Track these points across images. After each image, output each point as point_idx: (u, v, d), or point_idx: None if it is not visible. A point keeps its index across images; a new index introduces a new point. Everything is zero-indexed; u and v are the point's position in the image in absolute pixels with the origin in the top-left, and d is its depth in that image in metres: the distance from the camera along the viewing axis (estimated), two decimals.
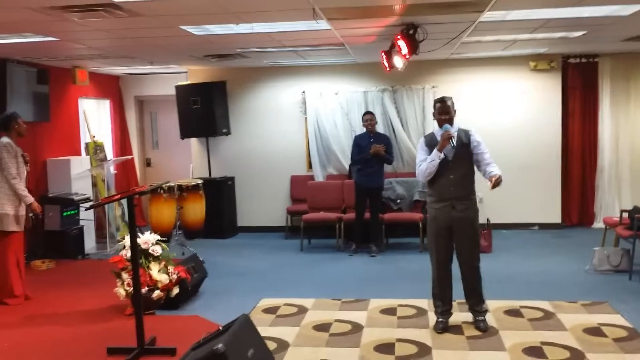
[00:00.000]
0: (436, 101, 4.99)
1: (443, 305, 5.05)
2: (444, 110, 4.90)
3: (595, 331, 4.89)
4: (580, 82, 9.38)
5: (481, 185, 5.00)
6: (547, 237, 8.87)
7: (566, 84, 9.40)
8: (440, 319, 5.04)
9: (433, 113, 5.01)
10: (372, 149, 7.89)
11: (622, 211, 7.13)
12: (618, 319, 5.15)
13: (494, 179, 4.66)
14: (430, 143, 4.92)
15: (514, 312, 5.43)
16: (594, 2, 5.14)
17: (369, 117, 8.15)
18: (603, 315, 5.26)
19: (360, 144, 8.10)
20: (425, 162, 4.85)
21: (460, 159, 4.85)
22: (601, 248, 6.93)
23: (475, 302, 5.03)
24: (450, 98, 4.98)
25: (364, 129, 8.22)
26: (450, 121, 4.88)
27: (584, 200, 9.56)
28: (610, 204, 9.39)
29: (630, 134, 9.35)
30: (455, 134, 4.81)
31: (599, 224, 9.14)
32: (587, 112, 9.42)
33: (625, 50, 8.86)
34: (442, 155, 4.79)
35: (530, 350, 4.54)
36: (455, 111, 4.94)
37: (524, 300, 5.73)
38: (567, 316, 5.27)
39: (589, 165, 9.49)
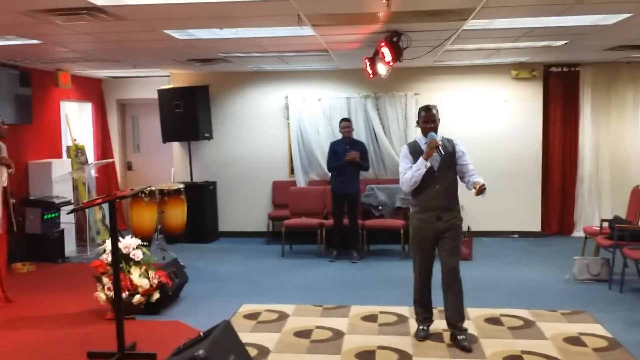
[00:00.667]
0: (421, 109, 4.93)
1: (424, 312, 5.05)
2: (429, 119, 4.84)
3: (575, 340, 4.93)
4: (561, 91, 9.48)
5: (463, 192, 5.00)
6: (527, 246, 8.94)
7: (547, 92, 9.49)
8: (422, 327, 5.03)
9: (417, 121, 4.96)
10: (348, 156, 7.92)
11: (602, 220, 7.20)
12: (598, 329, 5.19)
13: (478, 186, 4.61)
14: (415, 151, 4.86)
15: (494, 321, 5.46)
16: (578, 11, 5.19)
17: (346, 124, 8.18)
18: (583, 325, 5.30)
19: (336, 151, 8.13)
20: (410, 171, 4.78)
21: (445, 169, 4.81)
22: (581, 257, 6.99)
23: (458, 318, 4.88)
24: (435, 106, 4.93)
25: (341, 135, 8.25)
26: (435, 130, 4.83)
27: (564, 209, 9.65)
28: (590, 213, 9.49)
29: (610, 143, 9.46)
30: (440, 143, 4.74)
31: (578, 233, 9.24)
32: (568, 121, 9.52)
33: (606, 59, 8.98)
34: (428, 164, 4.73)
35: (510, 359, 4.56)
36: (439, 120, 4.91)
37: (504, 309, 5.76)
38: (547, 325, 5.31)
39: (569, 174, 9.59)
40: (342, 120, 8.35)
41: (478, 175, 4.80)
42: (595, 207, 9.50)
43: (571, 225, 9.63)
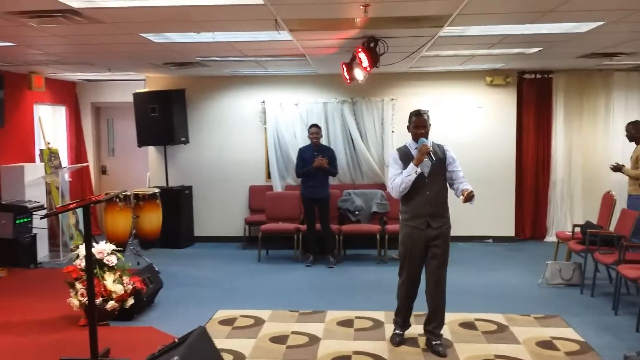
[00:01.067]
0: (412, 114, 4.83)
1: (404, 320, 5.04)
2: (420, 124, 4.74)
3: (547, 344, 4.99)
4: (534, 98, 9.62)
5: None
6: (501, 250, 9.03)
7: (521, 99, 9.62)
8: (398, 331, 5.04)
9: (408, 126, 4.84)
10: (315, 162, 7.95)
11: (574, 226, 7.31)
12: (570, 333, 5.27)
13: (466, 193, 4.59)
14: (405, 157, 4.76)
15: (468, 325, 5.50)
16: (552, 19, 5.28)
17: (315, 130, 8.20)
18: (555, 329, 5.37)
19: (304, 157, 8.15)
20: (400, 177, 4.68)
21: (435, 175, 4.73)
22: (553, 262, 7.08)
23: (438, 324, 4.89)
24: (427, 111, 4.84)
25: (309, 141, 8.29)
26: (426, 135, 4.74)
27: (537, 214, 9.78)
28: (562, 218, 9.63)
29: (582, 149, 9.62)
30: (432, 149, 4.67)
31: (551, 238, 9.36)
32: (541, 128, 9.66)
33: (579, 67, 9.14)
34: (418, 170, 4.63)
35: None
36: (430, 125, 4.81)
37: (479, 313, 5.81)
38: (520, 329, 5.36)
39: (542, 179, 9.72)
40: (311, 126, 8.37)
41: (467, 183, 4.76)
42: (568, 212, 9.64)
43: (544, 230, 9.76)
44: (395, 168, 4.78)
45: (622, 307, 5.85)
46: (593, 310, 5.96)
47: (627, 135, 7.32)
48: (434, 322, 4.90)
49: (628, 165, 7.19)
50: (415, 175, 4.63)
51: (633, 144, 7.24)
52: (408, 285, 4.88)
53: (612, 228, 6.96)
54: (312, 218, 8.21)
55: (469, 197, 4.59)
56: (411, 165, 4.64)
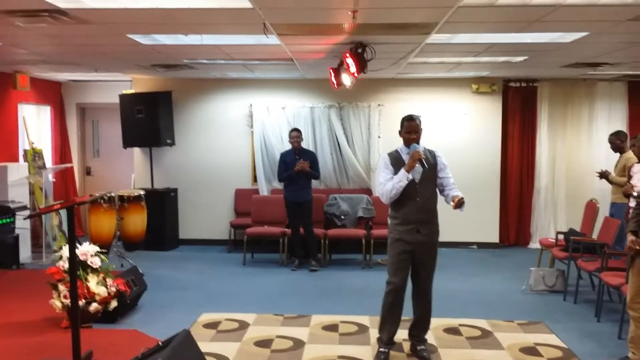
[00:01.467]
0: (404, 119, 4.76)
1: (389, 337, 4.79)
2: (412, 129, 4.69)
3: (531, 350, 5.02)
4: (519, 106, 9.70)
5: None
6: (485, 256, 9.09)
7: (506, 107, 9.70)
8: (383, 349, 4.79)
9: (400, 131, 4.76)
10: (297, 166, 7.96)
11: (557, 233, 7.38)
12: (553, 339, 5.31)
13: (456, 199, 4.55)
14: (396, 162, 4.68)
15: (453, 331, 5.53)
16: (538, 29, 5.34)
17: (296, 134, 8.23)
18: (539, 335, 5.41)
19: (286, 161, 8.18)
20: (391, 182, 4.59)
21: (426, 181, 4.66)
22: (537, 268, 7.13)
23: (422, 329, 4.88)
24: (419, 117, 4.80)
25: (291, 146, 8.30)
26: (418, 140, 4.69)
27: (521, 221, 9.85)
28: (546, 225, 9.71)
29: (566, 157, 9.71)
30: (424, 156, 4.62)
31: (535, 245, 9.44)
32: (525, 135, 9.75)
33: (563, 76, 9.24)
34: (410, 177, 4.56)
35: None
36: (421, 130, 4.77)
37: (463, 319, 5.85)
38: (504, 335, 5.40)
39: (526, 187, 9.80)
40: (292, 130, 8.40)
41: (457, 189, 4.71)
42: (551, 219, 9.73)
43: (528, 237, 9.84)
44: (386, 173, 4.68)
45: (604, 314, 5.91)
46: (576, 317, 6.02)
47: (611, 147, 7.35)
48: (418, 327, 4.90)
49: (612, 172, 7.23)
50: (407, 182, 4.55)
51: (617, 154, 7.29)
52: (395, 291, 4.70)
53: (595, 235, 7.03)
54: (296, 222, 8.21)
55: (459, 204, 4.55)
56: (402, 171, 4.57)
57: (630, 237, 4.44)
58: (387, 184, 4.62)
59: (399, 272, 4.71)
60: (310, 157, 8.22)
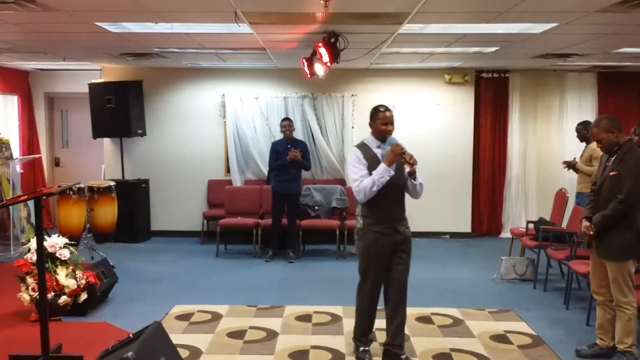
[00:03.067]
0: (378, 109, 4.40)
1: (367, 337, 4.62)
2: (389, 120, 4.35)
3: (501, 338, 5.09)
4: (491, 96, 9.78)
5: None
6: (457, 246, 9.17)
7: (478, 97, 9.77)
8: (363, 348, 4.58)
9: (371, 123, 4.44)
10: (290, 155, 7.92)
11: (528, 222, 7.47)
12: (523, 327, 5.38)
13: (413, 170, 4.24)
14: (368, 156, 4.36)
15: (425, 319, 5.57)
16: (508, 19, 5.37)
17: (287, 123, 8.18)
18: (509, 323, 5.48)
19: (278, 150, 8.12)
20: (370, 178, 4.23)
21: (399, 175, 4.35)
22: (508, 257, 7.22)
23: (402, 340, 4.55)
24: (391, 108, 4.47)
25: (282, 135, 8.25)
26: (391, 133, 4.39)
27: (493, 210, 9.95)
28: (517, 214, 9.83)
29: (537, 147, 9.83)
30: (406, 150, 4.28)
31: (506, 234, 9.55)
32: (497, 125, 9.83)
33: (534, 67, 9.33)
34: (392, 172, 4.24)
35: (440, 357, 4.67)
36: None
37: (435, 307, 5.90)
38: (475, 323, 5.46)
39: (498, 176, 9.89)
40: (284, 119, 8.37)
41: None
42: (522, 209, 9.85)
43: (499, 226, 9.95)
44: (358, 168, 4.31)
45: (573, 301, 6.01)
46: (545, 304, 6.11)
47: (578, 136, 7.46)
48: (397, 337, 4.52)
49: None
50: (389, 178, 4.23)
51: (583, 144, 7.39)
52: (371, 296, 4.48)
53: (564, 224, 7.13)
54: (280, 213, 8.17)
55: (413, 171, 4.25)
56: (383, 166, 4.23)
57: (585, 223, 4.58)
58: (363, 180, 4.25)
59: (377, 274, 4.43)
60: (302, 147, 8.17)
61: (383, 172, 4.23)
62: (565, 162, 7.27)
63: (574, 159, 7.28)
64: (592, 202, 4.63)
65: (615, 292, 4.42)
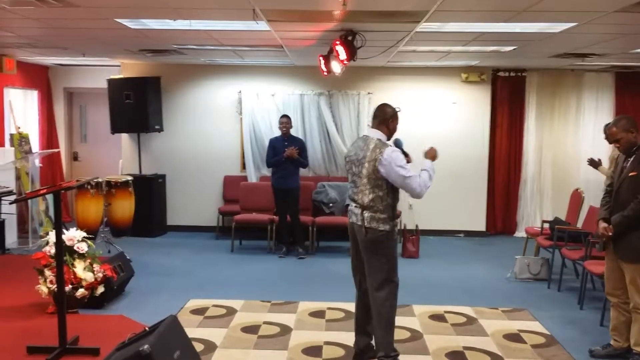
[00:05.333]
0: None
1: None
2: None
3: (514, 337, 5.09)
4: (508, 95, 9.73)
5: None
6: (472, 245, 9.16)
7: (495, 96, 9.73)
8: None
9: (391, 122, 4.43)
10: (286, 152, 7.96)
11: (543, 221, 7.44)
12: (536, 326, 5.38)
13: None
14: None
15: (438, 317, 5.58)
16: (526, 18, 5.36)
17: (284, 120, 8.22)
18: (522, 322, 5.48)
19: (275, 147, 8.17)
20: (426, 173, 4.26)
21: None
22: (522, 257, 7.20)
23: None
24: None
25: (280, 132, 8.31)
26: None
27: (508, 209, 9.91)
28: (532, 214, 9.78)
29: (553, 147, 9.77)
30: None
31: (520, 233, 9.52)
32: (513, 125, 9.78)
33: (551, 66, 9.27)
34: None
35: (453, 355, 4.68)
36: None
37: (448, 306, 5.90)
38: (488, 322, 5.46)
39: (513, 176, 9.85)
40: (282, 116, 8.40)
41: None
42: (537, 208, 9.80)
43: (514, 225, 9.91)
44: (407, 166, 4.23)
45: (587, 302, 5.99)
46: (559, 304, 6.09)
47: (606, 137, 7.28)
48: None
49: (605, 164, 7.18)
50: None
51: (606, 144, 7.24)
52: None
53: (580, 225, 7.10)
54: (283, 209, 8.22)
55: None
56: (429, 161, 4.36)
57: (602, 224, 4.54)
58: (421, 174, 4.24)
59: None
60: (299, 144, 8.22)
61: (431, 166, 4.36)
62: (590, 160, 7.08)
63: (599, 159, 7.08)
64: (609, 203, 4.60)
65: (633, 294, 4.39)
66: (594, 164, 6.99)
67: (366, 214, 4.23)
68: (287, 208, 8.20)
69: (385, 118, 4.42)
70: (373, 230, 4.21)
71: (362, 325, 4.53)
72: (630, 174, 4.39)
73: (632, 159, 4.45)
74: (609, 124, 7.22)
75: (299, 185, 8.32)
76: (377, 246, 4.24)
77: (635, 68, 9.15)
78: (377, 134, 4.38)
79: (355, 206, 4.33)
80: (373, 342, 4.45)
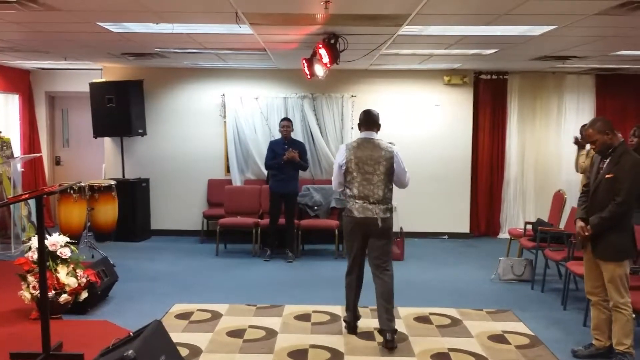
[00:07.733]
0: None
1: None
2: None
3: (499, 338, 5.12)
4: (490, 98, 9.81)
5: (396, 192, 5.12)
6: (456, 246, 9.20)
7: (477, 99, 9.80)
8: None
9: (379, 125, 5.12)
10: (287, 155, 7.95)
11: (526, 223, 7.50)
12: (521, 327, 5.42)
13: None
14: None
15: (423, 319, 5.61)
16: (507, 22, 5.41)
17: (285, 124, 8.22)
18: (507, 323, 5.52)
19: (275, 150, 8.16)
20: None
21: None
22: (506, 258, 7.25)
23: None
24: None
25: (280, 135, 8.30)
26: None
27: (491, 211, 9.99)
28: (515, 215, 9.87)
29: (535, 149, 9.87)
30: None
31: (504, 235, 9.60)
32: (496, 127, 9.86)
33: (532, 68, 9.37)
34: None
35: (438, 356, 4.70)
36: None
37: (433, 307, 5.93)
38: (473, 323, 5.49)
39: (496, 177, 9.93)
40: (283, 119, 8.40)
41: None
42: (520, 209, 9.89)
43: (497, 227, 9.98)
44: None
45: (570, 302, 6.04)
46: (543, 305, 6.14)
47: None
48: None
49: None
50: None
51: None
52: None
53: (562, 226, 7.17)
54: (277, 213, 8.19)
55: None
56: None
57: (579, 223, 4.62)
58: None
59: None
60: (300, 147, 8.21)
61: None
62: (575, 139, 7.10)
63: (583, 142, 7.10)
64: (585, 203, 4.67)
65: (612, 293, 4.45)
66: (579, 144, 7.04)
67: (382, 207, 4.87)
68: (282, 212, 8.16)
69: (377, 122, 5.07)
70: (387, 220, 4.89)
71: (355, 304, 5.24)
72: (607, 176, 4.45)
73: (608, 160, 4.51)
74: (585, 125, 7.36)
75: (297, 190, 8.35)
76: (389, 232, 4.95)
77: (615, 70, 9.28)
78: (377, 136, 5.02)
79: (371, 202, 4.86)
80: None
